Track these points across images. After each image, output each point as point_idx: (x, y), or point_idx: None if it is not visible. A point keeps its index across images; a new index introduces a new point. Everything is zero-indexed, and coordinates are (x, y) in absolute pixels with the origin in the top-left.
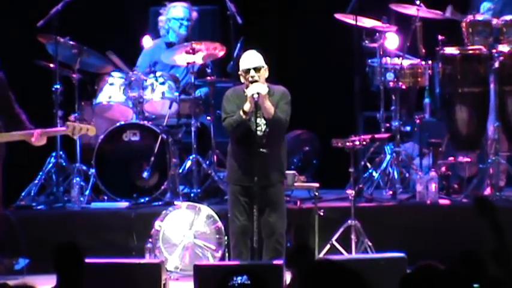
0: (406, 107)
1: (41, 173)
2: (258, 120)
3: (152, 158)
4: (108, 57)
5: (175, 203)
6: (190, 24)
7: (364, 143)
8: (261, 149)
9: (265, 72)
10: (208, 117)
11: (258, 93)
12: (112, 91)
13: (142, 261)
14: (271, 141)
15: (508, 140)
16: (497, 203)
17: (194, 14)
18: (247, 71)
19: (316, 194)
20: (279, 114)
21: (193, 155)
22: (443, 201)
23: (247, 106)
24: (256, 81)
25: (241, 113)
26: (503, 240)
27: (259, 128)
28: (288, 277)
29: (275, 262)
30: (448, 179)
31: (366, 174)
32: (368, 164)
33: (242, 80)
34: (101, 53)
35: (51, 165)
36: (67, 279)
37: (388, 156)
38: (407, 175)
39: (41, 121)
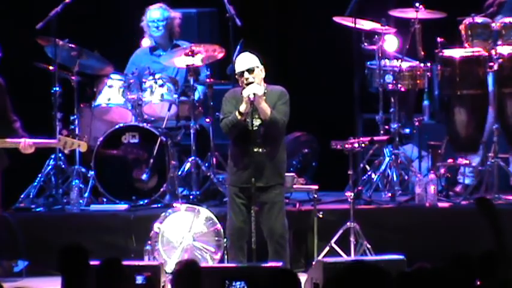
0: (405, 109)
1: (40, 175)
2: (254, 120)
3: (151, 160)
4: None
5: (175, 205)
6: (167, 24)
7: (363, 145)
8: (257, 149)
9: (260, 73)
10: (207, 119)
11: (254, 94)
12: (111, 93)
13: (141, 263)
14: (268, 142)
15: (507, 142)
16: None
17: (173, 14)
18: (241, 73)
19: (315, 196)
20: (275, 115)
21: (193, 157)
22: (442, 204)
23: (243, 107)
24: (251, 82)
25: (236, 113)
26: (502, 242)
27: (255, 129)
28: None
29: (273, 264)
30: (447, 181)
31: (364, 177)
32: (367, 166)
33: (239, 82)
34: (100, 55)
35: (50, 167)
36: (72, 280)
37: (387, 159)
38: (406, 177)
39: (40, 123)
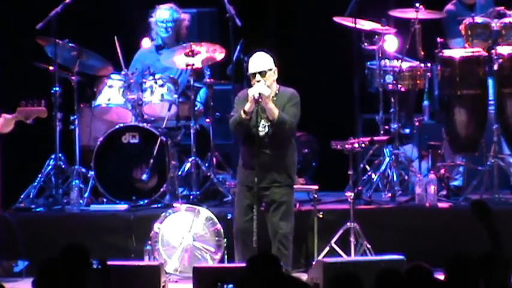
0: (405, 110)
1: (40, 175)
2: (261, 121)
3: (151, 160)
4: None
5: (175, 205)
6: (175, 25)
7: (363, 145)
8: (264, 150)
9: (273, 75)
10: (207, 119)
11: (259, 93)
12: (111, 93)
13: (141, 263)
14: (275, 143)
15: (507, 142)
16: (495, 206)
17: (183, 16)
18: (254, 75)
19: (315, 196)
20: (283, 116)
21: (193, 157)
22: (442, 204)
23: (247, 106)
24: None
25: (241, 112)
26: (498, 243)
27: (261, 129)
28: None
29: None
30: (447, 181)
31: (365, 177)
32: (367, 166)
33: (251, 82)
34: (100, 55)
35: (50, 167)
36: (72, 280)
37: (387, 159)
38: (406, 177)
39: (41, 123)
